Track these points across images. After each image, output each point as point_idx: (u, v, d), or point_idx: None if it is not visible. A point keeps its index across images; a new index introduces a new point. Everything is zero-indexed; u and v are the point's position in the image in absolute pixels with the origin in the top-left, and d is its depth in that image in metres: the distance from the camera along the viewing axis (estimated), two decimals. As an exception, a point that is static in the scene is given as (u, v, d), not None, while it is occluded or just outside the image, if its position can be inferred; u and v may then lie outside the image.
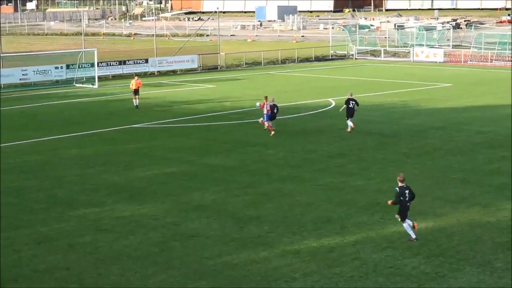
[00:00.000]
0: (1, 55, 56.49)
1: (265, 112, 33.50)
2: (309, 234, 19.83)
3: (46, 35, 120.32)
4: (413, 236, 19.17)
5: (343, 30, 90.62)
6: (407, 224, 19.21)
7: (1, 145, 32.12)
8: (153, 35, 76.32)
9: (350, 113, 34.52)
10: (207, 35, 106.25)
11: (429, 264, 17.65)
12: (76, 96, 49.58)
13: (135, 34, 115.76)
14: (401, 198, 19.06)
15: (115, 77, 59.90)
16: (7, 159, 29.51)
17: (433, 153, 29.80)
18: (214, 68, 68.18)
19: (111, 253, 18.66)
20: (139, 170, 27.51)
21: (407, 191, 19.09)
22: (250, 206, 22.59)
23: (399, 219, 19.25)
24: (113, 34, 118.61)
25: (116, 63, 61.35)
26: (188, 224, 20.90)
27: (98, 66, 56.87)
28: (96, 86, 54.47)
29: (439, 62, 70.75)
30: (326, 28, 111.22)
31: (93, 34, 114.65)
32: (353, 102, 34.54)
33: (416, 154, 29.64)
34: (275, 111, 33.73)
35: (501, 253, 18.27)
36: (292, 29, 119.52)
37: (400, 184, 19.18)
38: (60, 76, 56.73)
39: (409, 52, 75.21)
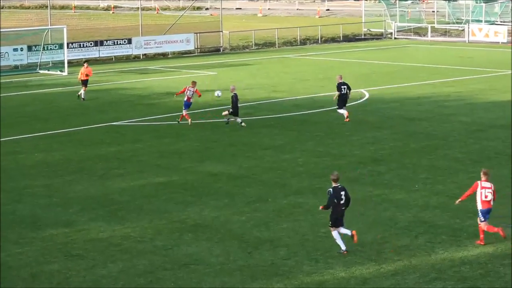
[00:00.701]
0: None
1: (185, 99, 36.36)
2: (336, 261, 19.81)
3: (3, 8, 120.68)
4: (343, 248, 20.01)
5: (379, 2, 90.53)
6: (337, 232, 20.09)
7: None
8: (137, 8, 76.46)
9: (343, 100, 36.41)
10: (207, 9, 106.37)
11: (489, 301, 17.61)
12: (41, 86, 49.65)
13: (115, 7, 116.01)
14: (335, 201, 20.05)
15: (89, 61, 59.89)
16: (-47, 165, 29.60)
17: (494, 159, 29.69)
18: (216, 51, 68.18)
19: (84, 285, 18.68)
20: (120, 180, 27.55)
21: (342, 193, 20.14)
22: (261, 225, 22.59)
23: (330, 226, 20.25)
24: (87, 7, 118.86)
25: (91, 44, 61.40)
26: (182, 248, 20.91)
27: (68, 48, 56.94)
28: (65, 73, 54.55)
29: (501, 42, 70.47)
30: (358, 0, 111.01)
31: (62, 7, 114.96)
32: (345, 87, 36.40)
33: (472, 161, 29.54)
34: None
35: None
36: (314, 1, 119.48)
37: (334, 184, 20.15)
38: (20, 60, 56.81)
39: (463, 30, 74.98)
